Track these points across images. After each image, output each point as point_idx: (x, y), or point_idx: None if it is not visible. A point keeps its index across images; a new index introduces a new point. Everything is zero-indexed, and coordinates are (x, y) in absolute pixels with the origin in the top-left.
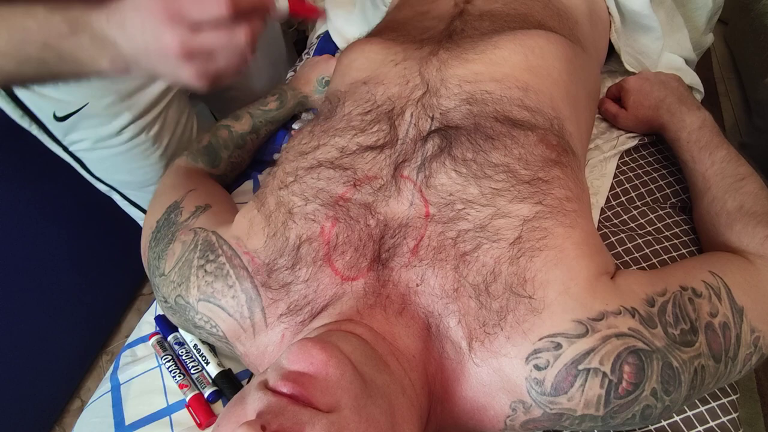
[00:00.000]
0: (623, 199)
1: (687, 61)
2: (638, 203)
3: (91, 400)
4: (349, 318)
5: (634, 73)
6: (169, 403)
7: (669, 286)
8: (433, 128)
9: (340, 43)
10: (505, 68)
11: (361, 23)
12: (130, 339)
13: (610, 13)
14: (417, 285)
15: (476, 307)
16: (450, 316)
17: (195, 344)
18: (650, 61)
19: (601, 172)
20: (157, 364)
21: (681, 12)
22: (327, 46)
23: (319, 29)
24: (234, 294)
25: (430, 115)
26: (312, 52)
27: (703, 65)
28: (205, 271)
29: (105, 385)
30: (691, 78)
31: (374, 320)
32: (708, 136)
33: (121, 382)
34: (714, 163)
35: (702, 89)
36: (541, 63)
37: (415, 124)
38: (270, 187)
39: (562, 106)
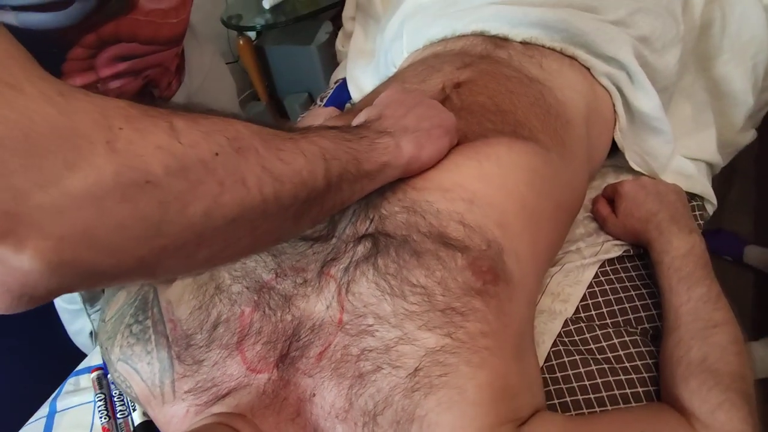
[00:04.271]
0: (593, 313)
1: (711, 165)
2: (607, 321)
3: (28, 422)
4: (242, 413)
5: (640, 173)
6: None
7: None
8: (368, 231)
9: (354, 93)
10: (456, 176)
11: (375, 75)
12: (79, 366)
13: (616, 112)
14: (313, 395)
15: None
16: None
17: None
18: (658, 164)
19: (576, 278)
20: (93, 400)
21: (716, 106)
22: (342, 94)
23: (338, 75)
24: (150, 360)
25: (371, 216)
26: (325, 100)
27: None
28: (131, 331)
29: (44, 410)
30: (702, 187)
31: (265, 422)
32: (691, 266)
33: (57, 410)
34: (690, 299)
35: (714, 201)
36: (497, 171)
37: (354, 223)
38: None
39: (513, 220)
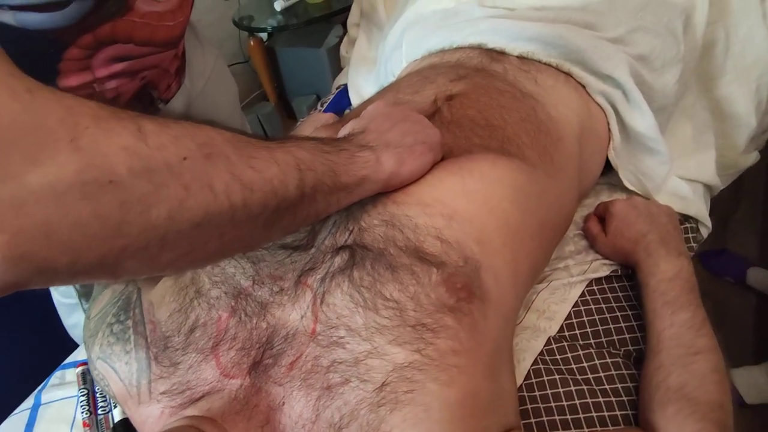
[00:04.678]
0: (577, 332)
1: (710, 187)
2: (591, 341)
3: (14, 413)
4: (213, 417)
5: (634, 192)
6: None
7: None
8: (346, 243)
9: (355, 100)
10: (437, 191)
11: (377, 83)
12: (66, 360)
13: (610, 130)
14: (282, 404)
15: None
16: None
17: None
18: (653, 185)
19: (562, 296)
20: (76, 394)
21: (718, 127)
22: (342, 100)
23: (340, 80)
24: (128, 360)
25: (350, 228)
26: (326, 105)
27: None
28: (112, 331)
29: (29, 401)
30: (696, 210)
31: (235, 428)
32: (677, 290)
33: (41, 403)
34: (673, 324)
35: (709, 224)
36: (480, 187)
37: (333, 234)
38: None
39: (494, 237)
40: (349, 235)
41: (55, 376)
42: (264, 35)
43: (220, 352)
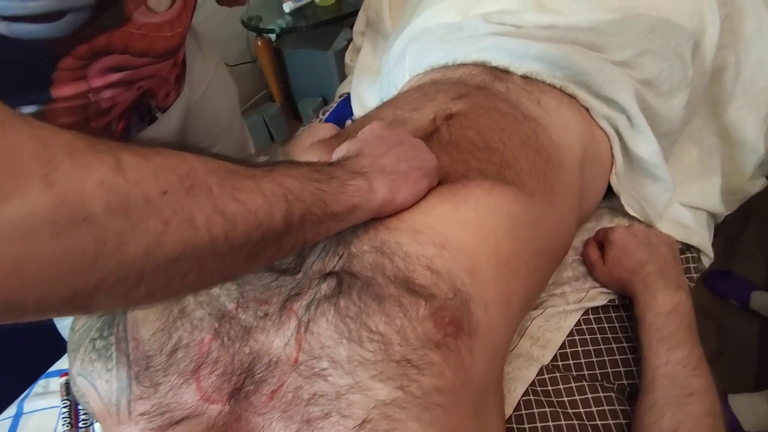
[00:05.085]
0: (570, 362)
1: (714, 214)
2: (584, 373)
3: None
4: None
5: (635, 218)
6: None
7: None
8: (335, 269)
9: (357, 110)
10: (430, 218)
11: (379, 94)
12: (52, 368)
13: (613, 155)
14: None
15: None
16: None
17: None
18: (654, 211)
19: (557, 324)
20: (59, 405)
21: (726, 152)
22: (344, 109)
23: (344, 89)
24: (108, 378)
25: (340, 253)
26: (327, 114)
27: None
28: (94, 346)
29: (12, 409)
30: (699, 239)
31: None
32: (674, 326)
33: (23, 412)
34: (669, 362)
35: (711, 254)
36: (474, 215)
37: (322, 258)
38: None
39: (485, 266)
40: (339, 260)
41: (39, 385)
42: (272, 36)
43: (201, 376)
